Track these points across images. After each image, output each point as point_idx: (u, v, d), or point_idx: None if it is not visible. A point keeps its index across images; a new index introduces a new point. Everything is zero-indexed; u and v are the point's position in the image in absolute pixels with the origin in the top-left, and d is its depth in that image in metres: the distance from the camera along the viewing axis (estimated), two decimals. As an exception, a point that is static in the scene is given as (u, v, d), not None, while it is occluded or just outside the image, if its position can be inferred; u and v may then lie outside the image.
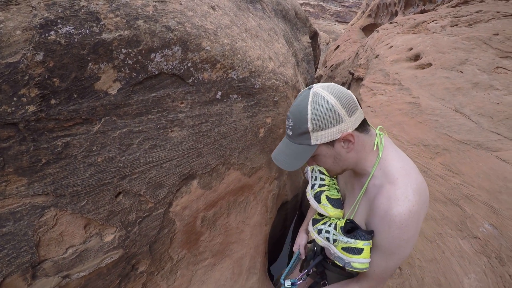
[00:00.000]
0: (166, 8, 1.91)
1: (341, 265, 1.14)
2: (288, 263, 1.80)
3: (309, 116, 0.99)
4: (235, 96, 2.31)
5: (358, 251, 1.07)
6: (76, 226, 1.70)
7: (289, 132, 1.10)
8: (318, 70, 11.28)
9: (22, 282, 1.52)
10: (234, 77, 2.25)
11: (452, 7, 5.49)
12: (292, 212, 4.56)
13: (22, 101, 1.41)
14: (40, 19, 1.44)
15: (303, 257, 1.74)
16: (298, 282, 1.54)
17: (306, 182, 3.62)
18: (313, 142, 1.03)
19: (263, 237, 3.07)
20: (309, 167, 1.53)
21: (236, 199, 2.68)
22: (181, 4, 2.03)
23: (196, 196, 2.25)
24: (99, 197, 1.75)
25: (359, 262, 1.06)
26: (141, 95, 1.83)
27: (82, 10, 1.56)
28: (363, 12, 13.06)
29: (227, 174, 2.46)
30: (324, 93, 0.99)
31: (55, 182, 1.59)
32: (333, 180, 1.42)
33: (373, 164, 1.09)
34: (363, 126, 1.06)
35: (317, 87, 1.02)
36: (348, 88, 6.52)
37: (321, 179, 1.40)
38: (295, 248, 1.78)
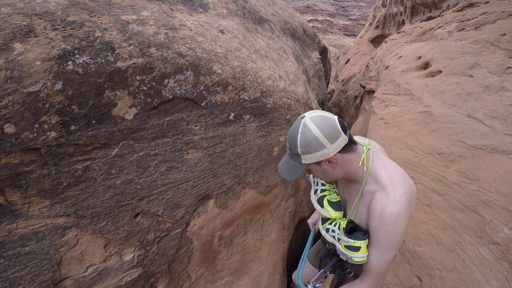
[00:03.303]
0: (177, 34, 1.99)
1: (344, 259, 1.40)
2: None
3: (298, 143, 1.23)
4: (247, 116, 2.36)
5: (356, 249, 1.33)
6: (96, 246, 1.76)
7: (288, 151, 1.35)
8: (330, 85, 11.32)
9: (44, 300, 1.56)
10: (246, 98, 2.31)
11: (457, 11, 5.45)
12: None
13: (44, 128, 1.50)
14: (58, 50, 1.53)
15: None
16: (317, 285, 1.61)
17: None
18: (303, 161, 1.29)
19: (281, 254, 3.07)
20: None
21: (252, 218, 2.70)
22: (191, 30, 2.11)
23: (213, 215, 2.29)
24: (119, 218, 1.81)
25: (358, 257, 1.33)
26: (157, 120, 1.90)
27: (97, 41, 1.65)
28: (371, 24, 13.08)
29: (243, 193, 2.49)
30: (311, 124, 1.21)
31: (76, 204, 1.66)
32: (332, 185, 1.61)
33: (363, 175, 1.33)
34: (347, 148, 1.26)
35: (306, 118, 1.23)
36: (361, 102, 6.53)
37: (322, 184, 1.60)
38: (310, 222, 2.03)
